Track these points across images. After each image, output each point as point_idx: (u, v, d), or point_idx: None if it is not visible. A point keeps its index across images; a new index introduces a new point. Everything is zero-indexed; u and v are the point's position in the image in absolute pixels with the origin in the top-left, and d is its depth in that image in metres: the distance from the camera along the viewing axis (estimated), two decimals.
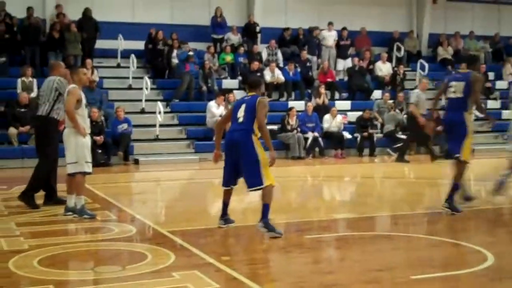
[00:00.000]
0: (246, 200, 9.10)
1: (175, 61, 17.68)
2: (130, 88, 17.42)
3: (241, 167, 6.79)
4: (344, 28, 20.03)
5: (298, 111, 16.69)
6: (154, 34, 18.00)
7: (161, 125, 15.86)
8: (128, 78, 17.51)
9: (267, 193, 6.70)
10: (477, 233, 7.42)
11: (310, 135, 16.05)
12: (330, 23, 19.69)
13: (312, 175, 13.88)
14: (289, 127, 16.10)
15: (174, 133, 16.40)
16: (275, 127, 16.41)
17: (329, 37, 19.60)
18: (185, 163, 14.87)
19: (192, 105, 17.13)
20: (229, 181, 7.01)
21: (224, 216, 7.19)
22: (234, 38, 19.33)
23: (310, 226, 7.63)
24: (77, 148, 7.72)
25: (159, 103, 15.94)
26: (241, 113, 6.82)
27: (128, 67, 17.54)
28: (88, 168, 7.82)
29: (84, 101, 7.84)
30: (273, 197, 6.79)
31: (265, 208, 6.69)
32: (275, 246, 6.51)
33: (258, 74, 17.96)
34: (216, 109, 15.91)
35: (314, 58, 19.61)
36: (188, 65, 17.19)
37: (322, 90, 17.71)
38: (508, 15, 23.05)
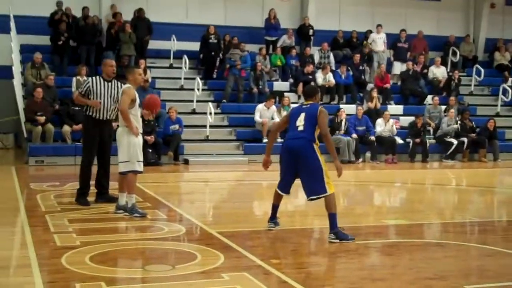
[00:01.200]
0: (294, 203, 9.05)
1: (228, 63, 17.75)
2: (182, 88, 17.60)
3: (302, 175, 6.78)
4: (402, 30, 19.72)
5: (348, 115, 16.54)
6: (206, 31, 18.10)
7: (211, 126, 15.95)
8: (180, 78, 17.68)
9: (331, 201, 6.69)
10: None
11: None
12: (378, 25, 19.42)
13: (362, 180, 13.73)
14: (337, 128, 15.97)
15: (224, 134, 16.47)
16: None
17: (379, 40, 19.30)
18: (234, 164, 14.91)
19: (242, 107, 17.18)
20: (285, 187, 7.04)
21: (274, 218, 7.19)
22: (289, 41, 19.30)
23: (360, 232, 7.54)
24: (130, 147, 7.79)
25: (210, 104, 16.04)
26: (300, 122, 6.81)
27: (180, 68, 17.70)
28: (140, 167, 7.88)
29: (138, 101, 7.91)
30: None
31: (333, 218, 6.69)
32: (324, 250, 6.45)
33: (310, 77, 17.93)
34: (264, 112, 15.96)
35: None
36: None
37: (375, 94, 17.51)
38: None
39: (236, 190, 11.88)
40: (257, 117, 16.02)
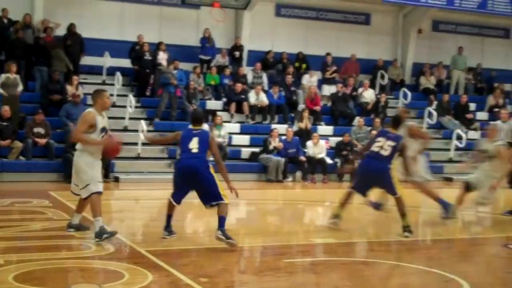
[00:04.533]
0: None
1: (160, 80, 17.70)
2: (114, 105, 17.38)
3: (199, 187, 7.61)
4: (328, 54, 20.26)
5: (280, 134, 16.77)
6: (140, 46, 18.02)
7: (143, 144, 15.84)
8: (112, 95, 17.49)
9: (226, 209, 7.47)
10: (452, 262, 7.48)
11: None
12: (309, 71, 19.94)
13: (291, 199, 13.91)
14: (271, 148, 16.18)
15: (155, 152, 16.37)
16: (257, 149, 16.51)
17: (309, 83, 19.63)
18: (165, 183, 14.77)
19: (175, 125, 17.11)
20: (178, 199, 7.75)
21: (169, 227, 7.78)
22: (222, 60, 19.42)
23: (289, 250, 7.66)
24: (89, 169, 7.51)
25: (142, 122, 15.93)
26: (194, 145, 7.64)
27: (113, 84, 17.54)
28: (101, 187, 7.60)
29: (100, 125, 7.56)
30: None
31: (223, 220, 7.42)
32: (253, 268, 6.53)
33: (243, 96, 18.11)
34: None
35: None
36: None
37: (306, 114, 17.82)
38: (490, 47, 23.41)
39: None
40: None
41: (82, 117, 7.63)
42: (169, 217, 7.80)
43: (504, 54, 23.59)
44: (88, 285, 5.54)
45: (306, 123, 17.72)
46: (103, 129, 7.63)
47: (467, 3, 20.35)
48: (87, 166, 7.51)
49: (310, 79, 19.75)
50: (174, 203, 7.74)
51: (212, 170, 7.58)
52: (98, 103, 7.70)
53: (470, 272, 6.94)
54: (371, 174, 8.69)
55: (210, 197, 7.49)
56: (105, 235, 7.36)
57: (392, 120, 9.41)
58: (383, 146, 8.65)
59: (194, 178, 7.54)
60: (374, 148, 8.73)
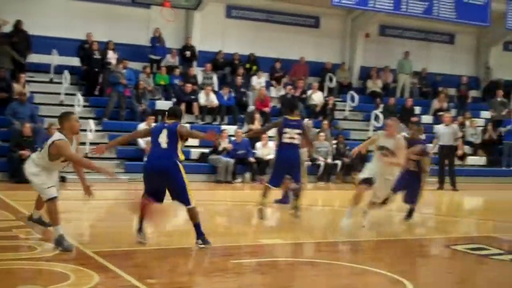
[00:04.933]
0: (172, 222, 9.09)
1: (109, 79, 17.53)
2: (61, 104, 17.15)
3: (169, 188, 7.37)
4: (277, 60, 20.43)
5: (230, 135, 16.84)
6: (89, 44, 17.82)
7: (91, 143, 15.65)
8: (60, 94, 17.25)
9: (194, 213, 7.32)
10: (397, 262, 7.66)
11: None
12: (258, 71, 20.09)
13: (240, 200, 13.97)
14: (221, 149, 16.22)
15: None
16: (206, 150, 16.53)
17: (257, 85, 19.77)
18: (114, 183, 14.67)
19: (124, 125, 16.99)
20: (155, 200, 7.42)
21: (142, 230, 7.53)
22: (172, 61, 19.35)
23: (237, 251, 7.71)
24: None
25: (91, 121, 15.75)
26: (163, 139, 7.25)
27: (61, 83, 17.28)
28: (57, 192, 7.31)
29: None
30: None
31: (198, 227, 7.36)
32: (201, 269, 6.56)
33: (192, 97, 18.09)
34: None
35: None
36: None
37: (257, 116, 17.92)
38: (436, 52, 23.98)
39: (114, 209, 11.71)
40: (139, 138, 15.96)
41: (57, 147, 6.99)
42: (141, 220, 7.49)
43: (449, 59, 24.19)
44: (32, 287, 5.47)
45: (256, 125, 17.82)
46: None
47: (413, 9, 20.81)
48: (34, 175, 7.18)
49: (258, 80, 19.86)
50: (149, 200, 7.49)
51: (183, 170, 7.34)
52: (66, 127, 7.18)
53: (414, 272, 7.13)
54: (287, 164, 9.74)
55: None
56: (60, 248, 6.97)
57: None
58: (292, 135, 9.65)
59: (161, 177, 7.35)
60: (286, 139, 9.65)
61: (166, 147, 7.24)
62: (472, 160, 20.18)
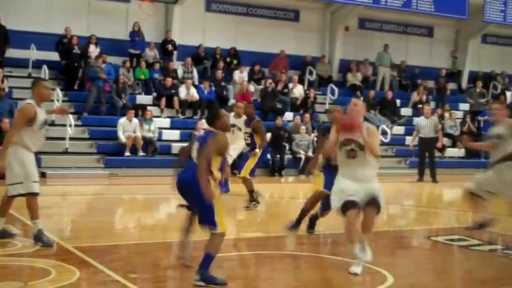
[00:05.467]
0: (154, 217, 9.10)
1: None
2: None
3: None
4: (256, 63, 20.44)
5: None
6: (69, 39, 17.69)
7: (71, 138, 15.57)
8: None
9: (216, 241, 5.93)
10: (377, 254, 7.72)
11: None
12: (241, 66, 20.07)
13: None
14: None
15: (84, 147, 16.12)
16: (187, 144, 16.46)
17: (240, 79, 19.76)
18: (94, 178, 14.63)
19: (104, 119, 16.92)
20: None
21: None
22: (151, 54, 19.27)
23: None
24: (24, 166, 6.95)
25: (70, 116, 15.64)
26: (194, 150, 6.06)
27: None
28: (37, 188, 7.09)
29: (40, 118, 7.00)
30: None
31: (208, 260, 5.84)
32: (182, 263, 6.55)
33: (173, 91, 18.03)
34: (126, 125, 15.98)
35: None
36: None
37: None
38: (414, 45, 24.13)
39: (95, 204, 11.69)
40: (119, 133, 15.91)
41: (21, 110, 7.03)
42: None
43: (428, 52, 24.37)
44: (13, 283, 5.44)
45: None
46: (44, 122, 7.12)
47: (392, 2, 20.94)
48: (19, 162, 6.94)
49: (241, 75, 19.85)
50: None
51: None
52: (35, 94, 7.11)
53: (394, 264, 7.19)
54: None
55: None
56: (40, 244, 6.90)
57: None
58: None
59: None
60: None
61: (195, 160, 6.01)
62: (451, 152, 20.37)
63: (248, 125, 10.56)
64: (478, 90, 22.30)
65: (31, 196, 7.03)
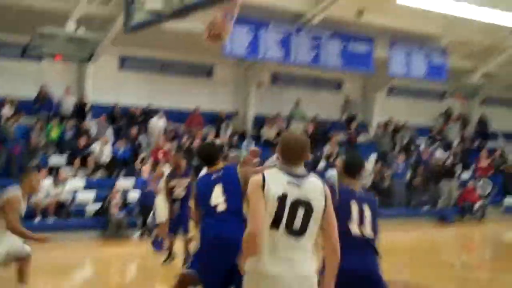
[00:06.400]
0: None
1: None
2: None
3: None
4: (170, 119, 20.62)
5: (125, 190, 16.66)
6: None
7: None
8: None
9: None
10: None
11: None
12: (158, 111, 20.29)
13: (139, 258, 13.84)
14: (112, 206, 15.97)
15: None
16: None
17: (156, 128, 19.94)
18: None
19: (16, 182, 16.47)
20: None
21: None
22: (66, 112, 19.03)
23: None
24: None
25: None
26: (218, 198, 5.01)
27: None
28: None
29: (21, 212, 6.95)
30: None
31: None
32: None
33: (87, 151, 17.83)
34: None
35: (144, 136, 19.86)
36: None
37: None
38: (325, 99, 24.78)
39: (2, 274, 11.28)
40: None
41: (11, 204, 6.80)
42: None
43: (338, 105, 25.12)
44: None
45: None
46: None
47: (302, 58, 21.52)
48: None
49: (157, 122, 19.93)
50: None
51: None
52: (25, 184, 6.98)
53: None
54: None
55: None
56: None
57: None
58: None
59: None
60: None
61: (226, 209, 5.11)
62: None
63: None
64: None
65: None
